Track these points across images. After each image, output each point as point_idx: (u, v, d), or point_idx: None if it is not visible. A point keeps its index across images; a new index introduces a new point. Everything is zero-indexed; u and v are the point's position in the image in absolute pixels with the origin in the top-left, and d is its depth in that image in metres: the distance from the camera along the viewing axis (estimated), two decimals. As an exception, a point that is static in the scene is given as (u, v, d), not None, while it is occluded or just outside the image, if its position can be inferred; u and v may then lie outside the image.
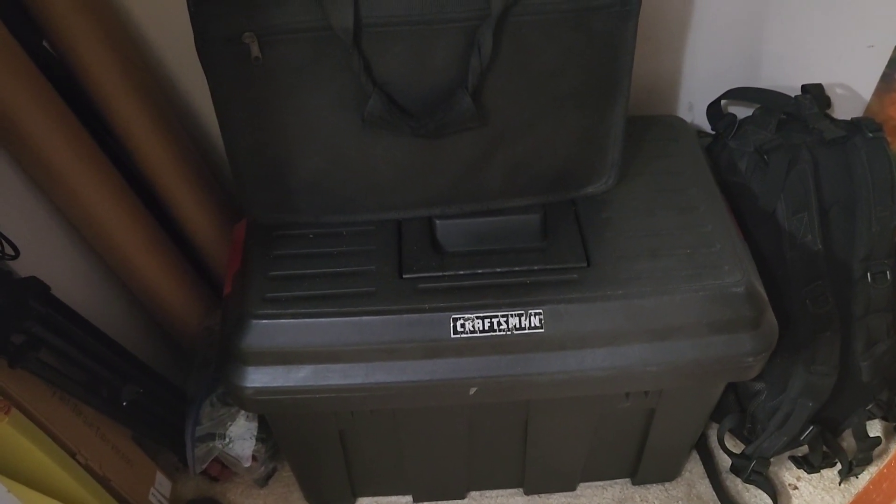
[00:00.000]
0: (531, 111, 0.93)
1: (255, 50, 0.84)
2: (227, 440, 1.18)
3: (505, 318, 0.91)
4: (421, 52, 0.86)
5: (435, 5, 0.82)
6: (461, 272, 0.95)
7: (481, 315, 0.91)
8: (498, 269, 0.95)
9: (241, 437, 1.19)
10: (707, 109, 1.24)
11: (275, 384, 0.93)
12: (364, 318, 0.91)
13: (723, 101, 1.23)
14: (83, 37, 1.04)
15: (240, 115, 0.91)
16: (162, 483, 1.28)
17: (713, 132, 1.23)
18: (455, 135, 0.92)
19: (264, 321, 0.91)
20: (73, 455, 1.04)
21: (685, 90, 1.26)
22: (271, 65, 0.86)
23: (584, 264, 0.95)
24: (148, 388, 1.13)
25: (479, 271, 0.95)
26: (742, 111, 1.22)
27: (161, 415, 1.17)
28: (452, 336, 0.91)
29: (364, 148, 0.93)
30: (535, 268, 0.95)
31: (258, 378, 0.93)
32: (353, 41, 0.83)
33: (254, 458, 1.22)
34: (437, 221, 1.01)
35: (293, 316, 0.92)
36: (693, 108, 1.28)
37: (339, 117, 0.90)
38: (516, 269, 0.95)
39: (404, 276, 0.95)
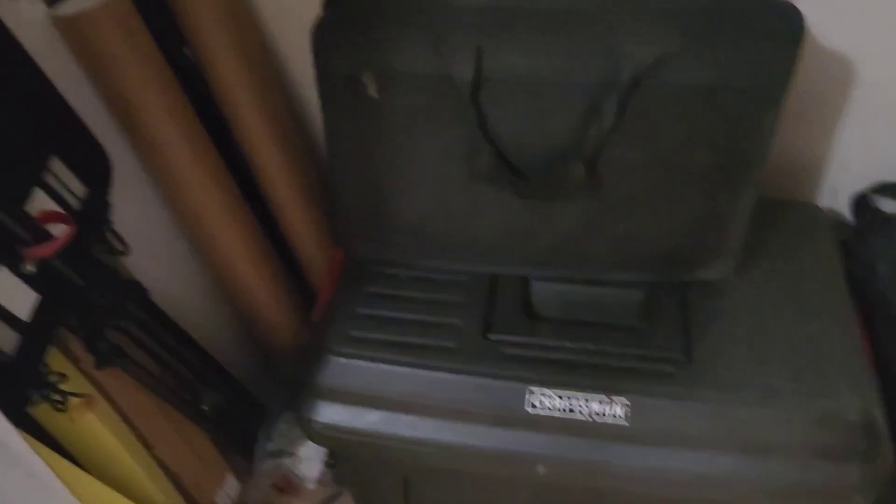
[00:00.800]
0: (649, 185, 0.87)
1: (372, 90, 0.83)
2: (296, 459, 1.18)
3: (586, 402, 0.85)
4: (539, 113, 0.82)
5: (561, 68, 0.79)
6: (548, 342, 0.90)
7: (561, 393, 0.86)
8: (588, 346, 0.90)
9: (310, 458, 1.19)
10: (852, 200, 1.12)
11: (343, 423, 0.92)
12: (441, 374, 0.89)
13: (872, 194, 1.11)
14: (221, 48, 1.08)
15: (349, 149, 0.91)
16: (231, 485, 1.30)
17: (854, 225, 1.11)
18: (563, 199, 0.88)
19: (344, 360, 0.91)
20: (149, 449, 1.07)
21: (830, 175, 1.15)
22: (386, 105, 0.85)
23: (683, 357, 0.88)
24: (228, 396, 1.15)
25: (568, 344, 0.90)
26: (893, 208, 1.10)
27: (238, 423, 1.19)
28: (527, 409, 0.86)
29: (469, 199, 0.90)
30: (629, 351, 0.89)
31: (328, 414, 0.92)
32: (471, 94, 0.80)
33: (319, 480, 1.22)
34: (534, 282, 0.96)
35: (372, 360, 0.90)
36: (837, 196, 1.17)
37: (448, 165, 0.88)
38: (608, 349, 0.90)
39: (489, 336, 0.91)
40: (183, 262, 1.20)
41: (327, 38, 0.81)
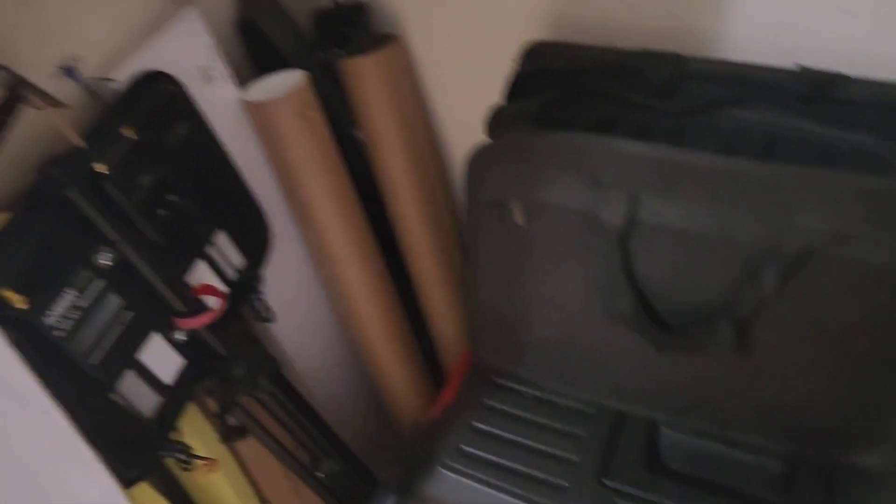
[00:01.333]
0: (805, 357, 0.79)
1: (519, 217, 0.83)
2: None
3: (701, 581, 0.78)
4: (690, 266, 0.77)
5: (722, 227, 0.74)
6: (668, 502, 0.84)
7: (674, 565, 0.80)
8: (712, 515, 0.83)
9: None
10: None
11: (440, 534, 0.91)
12: (547, 513, 0.85)
13: None
14: (389, 134, 1.12)
15: (489, 265, 0.90)
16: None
17: None
18: (706, 355, 0.82)
19: (451, 475, 0.90)
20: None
21: None
22: (532, 233, 0.84)
23: (819, 552, 0.79)
24: (344, 466, 1.17)
25: (690, 509, 0.84)
26: None
27: (351, 493, 1.21)
28: (633, 573, 0.81)
29: (603, 334, 0.87)
30: (757, 532, 0.81)
31: (427, 522, 0.91)
32: (619, 238, 0.77)
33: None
34: (662, 429, 0.90)
35: (479, 481, 0.89)
36: None
37: (584, 298, 0.85)
38: (734, 523, 0.82)
39: (605, 481, 0.87)
40: (323, 332, 1.24)
41: (483, 163, 0.82)
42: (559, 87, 0.87)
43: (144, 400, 0.86)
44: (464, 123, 1.15)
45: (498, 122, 0.86)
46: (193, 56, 0.97)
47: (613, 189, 0.76)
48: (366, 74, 1.06)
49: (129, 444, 0.83)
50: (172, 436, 0.89)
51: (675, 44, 0.90)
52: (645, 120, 0.82)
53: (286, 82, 1.04)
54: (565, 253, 0.84)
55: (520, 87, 0.89)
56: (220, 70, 1.01)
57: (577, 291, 0.85)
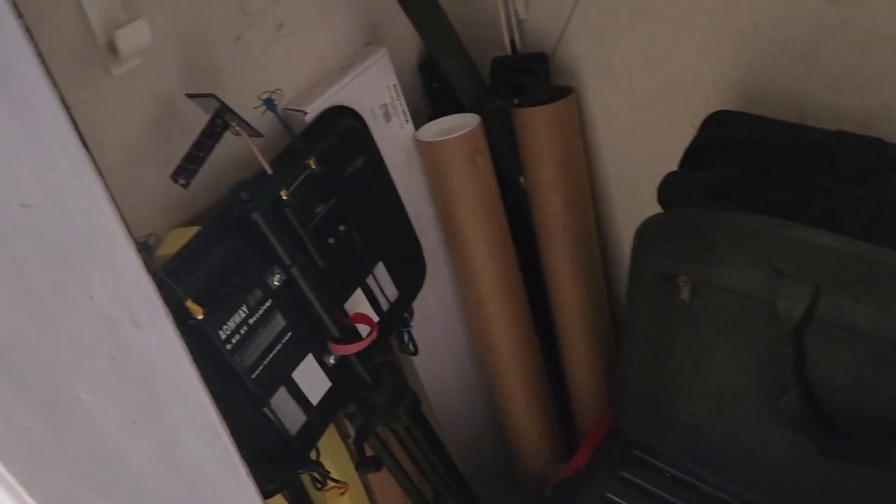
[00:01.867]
0: None
1: (685, 293, 0.79)
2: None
3: None
4: (873, 372, 0.71)
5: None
6: None
7: None
8: None
9: None
10: None
11: None
12: None
13: None
14: (553, 185, 1.11)
15: (646, 336, 0.87)
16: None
17: None
18: (879, 467, 0.75)
19: (575, 545, 0.87)
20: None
21: None
22: (695, 310, 0.80)
23: None
24: (465, 507, 1.17)
25: None
26: None
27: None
28: None
29: (759, 427, 0.81)
30: None
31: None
32: (794, 331, 0.72)
33: None
34: (813, 539, 0.83)
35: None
36: None
37: (744, 386, 0.80)
38: None
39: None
40: (460, 371, 1.25)
41: (654, 234, 0.79)
42: (741, 162, 0.84)
43: (291, 417, 0.90)
44: (632, 183, 1.14)
45: (673, 190, 0.84)
46: (377, 94, 1.01)
47: (794, 279, 0.71)
48: (538, 125, 1.07)
49: (274, 458, 0.87)
50: (312, 455, 0.92)
51: (875, 128, 0.84)
52: (835, 208, 0.76)
53: (459, 124, 1.06)
54: (730, 336, 0.79)
55: (699, 156, 0.86)
56: (399, 108, 1.05)
57: (737, 378, 0.81)
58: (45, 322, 0.47)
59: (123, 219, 0.51)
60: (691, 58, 0.97)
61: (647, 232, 0.80)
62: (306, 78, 0.95)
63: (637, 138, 1.08)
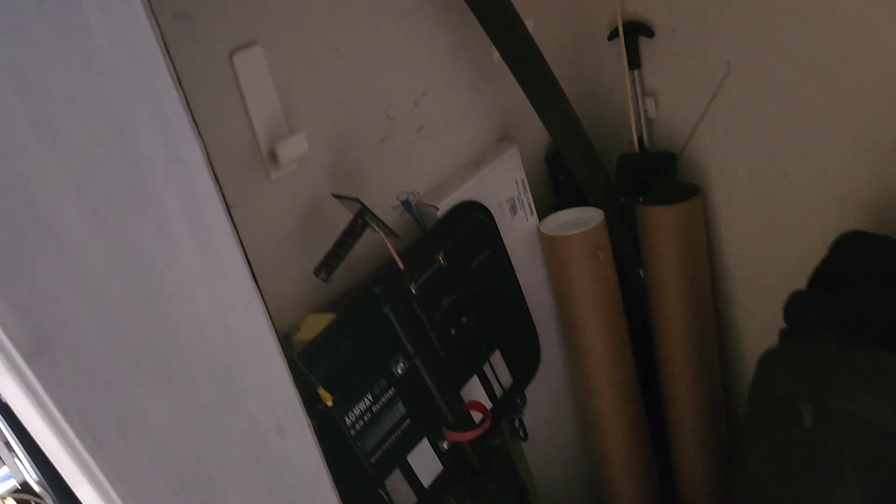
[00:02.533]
0: None
1: (806, 419, 0.78)
2: None
3: None
4: None
5: None
6: None
7: None
8: None
9: None
10: None
11: None
12: None
13: None
14: (672, 281, 1.12)
15: (762, 455, 0.86)
16: None
17: None
18: None
19: None
20: None
21: None
22: (817, 437, 0.78)
23: None
24: None
25: None
26: None
27: None
28: None
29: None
30: None
31: None
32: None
33: None
34: None
35: None
36: None
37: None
38: None
39: None
40: (568, 459, 1.25)
41: (780, 359, 0.79)
42: (872, 288, 0.82)
43: (403, 498, 0.94)
44: (755, 288, 1.12)
45: (799, 312, 0.83)
46: (506, 188, 1.06)
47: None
48: (662, 224, 1.08)
49: (385, 539, 0.91)
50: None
51: None
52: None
53: (583, 219, 1.08)
54: (851, 465, 0.77)
55: (829, 278, 0.85)
56: (525, 201, 1.09)
57: (857, 510, 0.78)
58: (207, 430, 0.53)
59: (275, 333, 0.57)
60: (825, 171, 0.96)
61: (773, 357, 0.79)
62: (439, 174, 1.01)
63: (763, 245, 1.07)
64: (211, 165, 0.48)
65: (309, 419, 0.60)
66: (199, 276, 0.48)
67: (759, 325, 0.99)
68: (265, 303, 0.54)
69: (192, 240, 0.48)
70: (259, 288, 0.53)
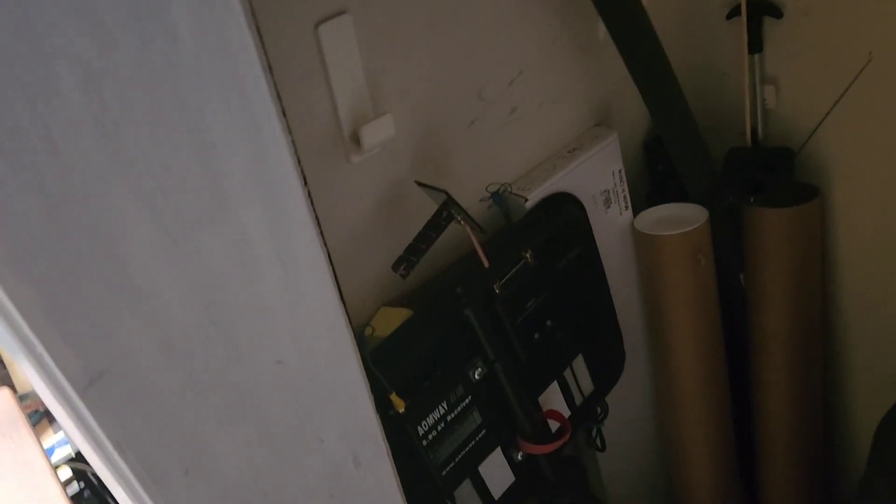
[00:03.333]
0: None
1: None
2: None
3: None
4: None
5: None
6: None
7: None
8: None
9: None
10: None
11: None
12: None
13: None
14: (777, 288, 1.01)
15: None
16: None
17: None
18: None
19: None
20: None
21: None
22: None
23: None
24: None
25: None
26: None
27: None
28: None
29: None
30: None
31: None
32: None
33: None
34: None
35: None
36: None
37: None
38: None
39: None
40: (646, 473, 1.17)
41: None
42: None
43: (471, 508, 0.88)
44: (870, 303, 1.01)
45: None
46: (601, 179, 0.96)
47: None
48: (773, 228, 0.97)
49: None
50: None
51: None
52: None
53: (683, 217, 0.98)
54: None
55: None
56: (621, 194, 0.99)
57: None
58: (277, 465, 0.47)
59: (359, 357, 0.50)
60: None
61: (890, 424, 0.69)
62: (530, 161, 0.92)
63: (889, 263, 0.95)
64: (300, 166, 0.41)
65: (388, 447, 0.54)
66: (279, 297, 0.41)
67: (877, 351, 0.88)
68: (351, 323, 0.47)
69: (274, 256, 0.41)
70: (345, 306, 0.46)
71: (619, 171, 0.98)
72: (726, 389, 1.07)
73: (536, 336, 0.88)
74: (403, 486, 0.73)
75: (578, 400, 0.97)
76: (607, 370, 1.01)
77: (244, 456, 0.44)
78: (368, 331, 0.79)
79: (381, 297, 0.85)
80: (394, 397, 0.76)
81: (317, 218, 0.42)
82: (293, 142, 0.40)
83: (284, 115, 0.39)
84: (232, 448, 0.43)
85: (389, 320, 0.82)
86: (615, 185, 0.98)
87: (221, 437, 0.42)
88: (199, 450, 0.42)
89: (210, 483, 0.43)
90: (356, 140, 0.73)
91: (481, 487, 0.88)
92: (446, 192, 0.76)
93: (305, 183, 0.41)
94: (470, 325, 0.81)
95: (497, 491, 0.89)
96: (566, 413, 0.95)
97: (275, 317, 0.42)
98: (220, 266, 0.38)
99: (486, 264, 0.80)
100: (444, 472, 0.81)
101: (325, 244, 0.43)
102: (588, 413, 0.99)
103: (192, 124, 0.35)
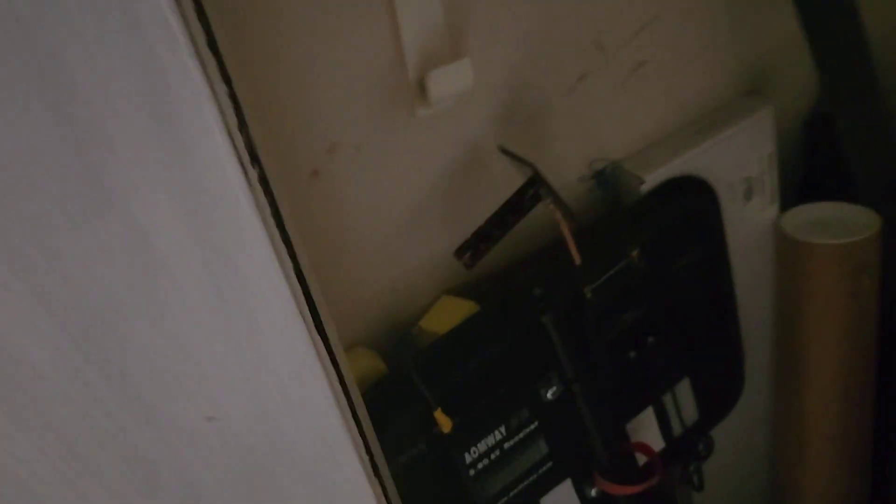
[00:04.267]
0: None
1: None
2: None
3: None
4: None
5: None
6: None
7: None
8: None
9: None
10: None
11: None
12: None
13: None
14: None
15: None
16: None
17: None
18: None
19: None
20: None
21: None
22: None
23: None
24: None
25: None
26: None
27: None
28: None
29: None
30: None
31: None
32: None
33: None
34: None
35: None
36: None
37: None
38: None
39: None
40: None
41: None
42: None
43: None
44: None
45: None
46: (744, 164, 0.76)
47: None
48: (972, 250, 0.74)
49: None
50: None
51: None
52: None
53: (845, 220, 0.77)
54: None
55: None
56: (768, 184, 0.78)
57: None
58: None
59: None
60: None
61: None
62: (651, 133, 0.73)
63: None
64: (241, 114, 0.26)
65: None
66: (204, 323, 0.27)
67: None
68: (334, 355, 0.32)
69: (196, 265, 0.26)
70: (325, 337, 0.31)
71: (770, 156, 0.77)
72: (868, 444, 0.85)
73: (632, 354, 0.70)
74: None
75: (678, 430, 0.79)
76: (719, 398, 0.82)
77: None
78: (415, 330, 0.64)
79: (433, 287, 0.69)
80: (439, 415, 0.61)
81: (275, 204, 0.27)
82: (233, 91, 0.24)
83: (216, 45, 0.23)
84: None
85: (448, 314, 0.67)
86: (762, 172, 0.77)
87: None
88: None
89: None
90: (423, 88, 0.56)
91: (542, 524, 0.73)
92: (534, 167, 0.59)
93: (252, 149, 0.25)
94: (547, 334, 0.64)
95: (562, 528, 0.74)
96: (659, 445, 0.78)
97: (200, 354, 0.28)
98: (97, 281, 0.24)
99: (578, 261, 0.63)
100: (493, 509, 0.66)
101: (291, 243, 0.28)
102: (687, 447, 0.81)
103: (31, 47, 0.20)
